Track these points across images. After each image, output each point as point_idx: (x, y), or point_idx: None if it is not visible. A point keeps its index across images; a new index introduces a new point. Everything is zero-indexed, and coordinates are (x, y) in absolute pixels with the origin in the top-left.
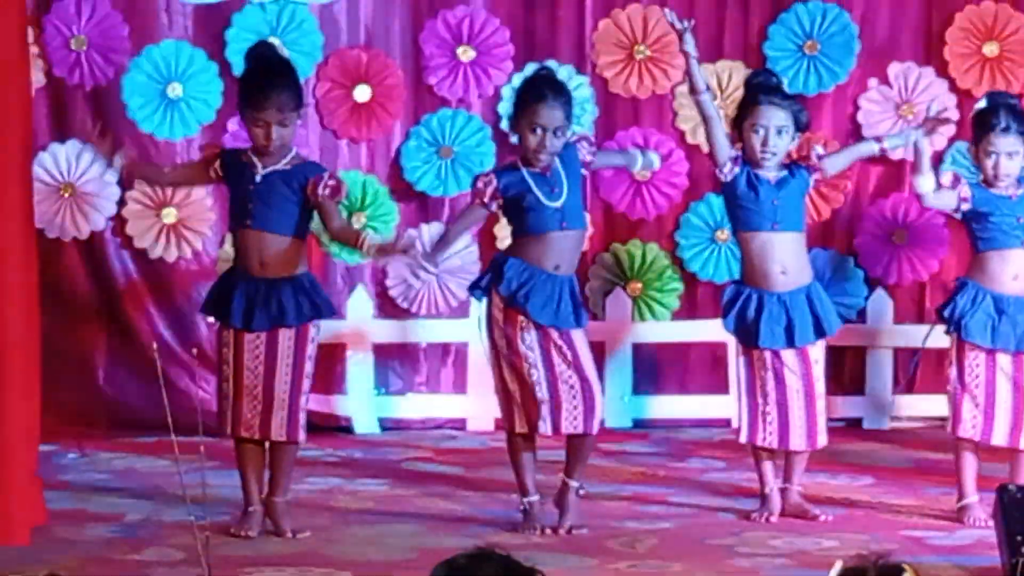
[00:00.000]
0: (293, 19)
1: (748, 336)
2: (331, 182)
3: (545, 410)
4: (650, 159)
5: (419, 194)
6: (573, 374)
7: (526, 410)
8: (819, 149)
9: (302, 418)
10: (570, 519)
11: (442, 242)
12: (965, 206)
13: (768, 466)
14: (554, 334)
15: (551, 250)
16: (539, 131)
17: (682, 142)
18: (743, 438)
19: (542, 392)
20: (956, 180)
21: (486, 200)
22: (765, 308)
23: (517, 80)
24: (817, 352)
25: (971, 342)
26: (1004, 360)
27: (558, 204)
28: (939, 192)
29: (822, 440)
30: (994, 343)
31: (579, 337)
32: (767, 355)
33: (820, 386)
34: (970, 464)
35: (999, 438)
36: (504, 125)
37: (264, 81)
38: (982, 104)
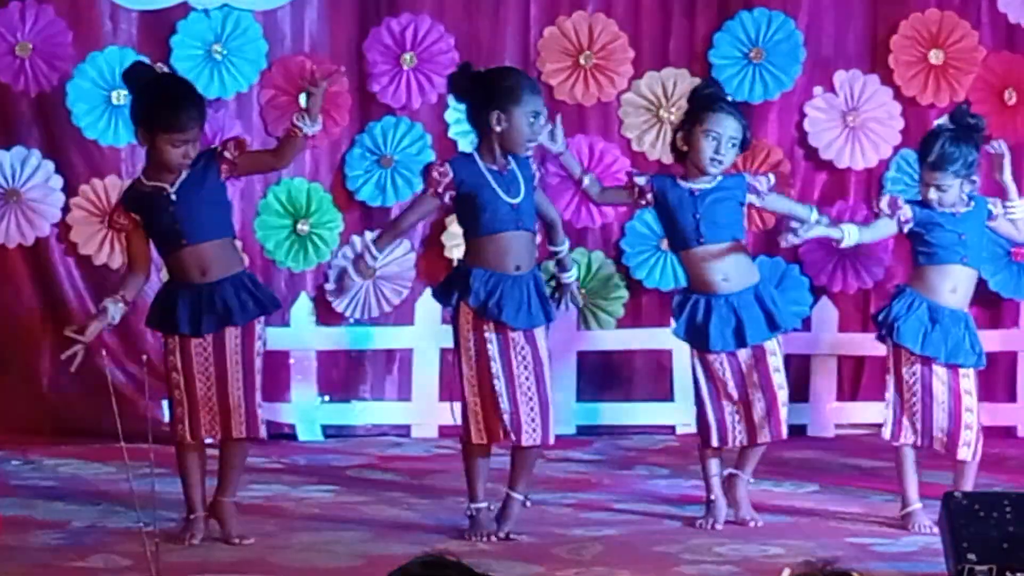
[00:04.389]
0: (237, 26)
1: (700, 340)
2: (229, 144)
3: (507, 420)
4: (565, 244)
5: (361, 202)
6: (532, 385)
7: (486, 421)
8: (771, 179)
9: (261, 414)
10: (509, 525)
11: (390, 231)
12: (908, 226)
13: (716, 473)
14: (519, 339)
15: (509, 251)
16: (536, 116)
17: (628, 150)
18: (715, 442)
19: (504, 403)
20: (894, 204)
21: (440, 190)
22: (714, 311)
23: None
24: (772, 345)
25: (905, 348)
26: (941, 370)
27: (515, 201)
28: (873, 226)
29: (784, 431)
30: (924, 349)
31: (542, 337)
32: (723, 355)
33: (779, 377)
34: (911, 471)
35: (938, 444)
36: (452, 133)
37: (180, 103)
38: (941, 121)
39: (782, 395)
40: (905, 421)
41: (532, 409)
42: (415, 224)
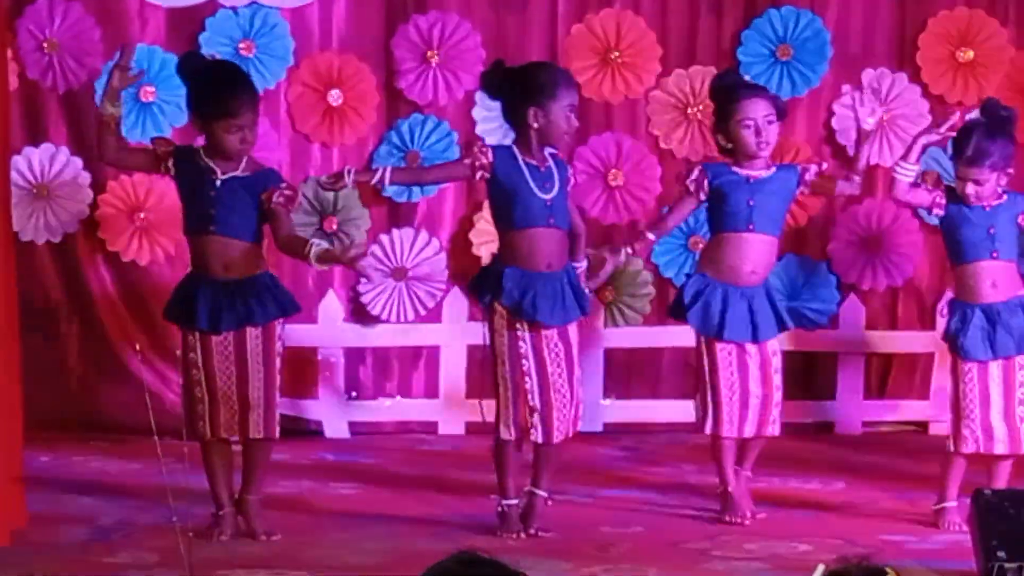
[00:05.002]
0: (265, 23)
1: (713, 328)
2: (287, 191)
3: (536, 418)
4: (583, 262)
5: (388, 199)
6: (565, 382)
7: (516, 418)
8: (822, 166)
9: (277, 415)
10: (536, 522)
11: (408, 172)
12: (938, 212)
13: (731, 463)
14: (553, 336)
15: (539, 248)
16: (573, 110)
17: (655, 147)
18: (708, 429)
19: (534, 400)
20: (938, 183)
21: (476, 164)
22: (731, 302)
23: None
24: (774, 345)
25: (969, 359)
26: (995, 368)
27: (548, 197)
28: (915, 189)
29: (774, 430)
30: (995, 354)
31: (575, 332)
32: (732, 346)
33: (778, 379)
34: (959, 471)
35: (1000, 447)
36: (479, 130)
37: (233, 87)
38: (973, 116)
39: (777, 395)
40: (966, 432)
41: (564, 407)
42: (434, 182)
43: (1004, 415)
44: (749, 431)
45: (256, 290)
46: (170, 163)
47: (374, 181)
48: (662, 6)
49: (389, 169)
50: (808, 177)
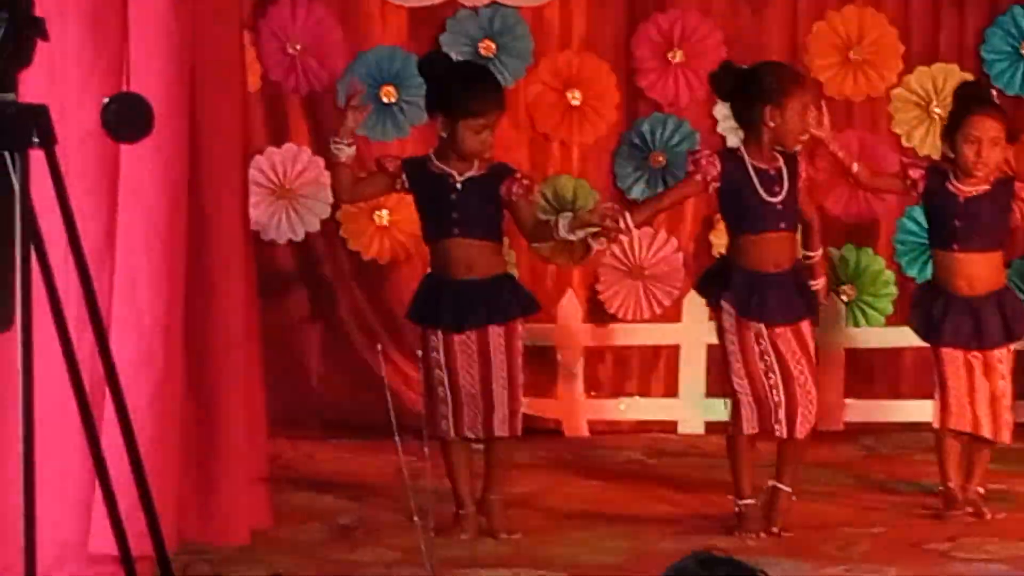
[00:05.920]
0: (505, 23)
1: (934, 334)
2: (524, 181)
3: (782, 413)
4: (818, 251)
5: (632, 201)
6: (807, 376)
7: (760, 413)
8: None
9: (521, 413)
10: (780, 521)
11: (649, 205)
12: None
13: (954, 461)
14: (787, 333)
15: (769, 250)
16: (806, 109)
17: (897, 146)
18: (936, 423)
19: (779, 395)
20: None
21: (707, 178)
22: (952, 308)
23: None
24: (1001, 353)
25: None
26: None
27: (777, 200)
28: None
29: (1004, 436)
30: None
31: (807, 330)
32: (957, 351)
33: (1003, 385)
34: None
35: None
36: (720, 128)
37: (484, 87)
38: None
39: (1003, 402)
40: None
41: (811, 401)
42: (673, 205)
43: None
44: (986, 430)
45: (498, 289)
46: (403, 178)
47: (623, 226)
48: (904, 3)
49: (628, 216)
50: None
